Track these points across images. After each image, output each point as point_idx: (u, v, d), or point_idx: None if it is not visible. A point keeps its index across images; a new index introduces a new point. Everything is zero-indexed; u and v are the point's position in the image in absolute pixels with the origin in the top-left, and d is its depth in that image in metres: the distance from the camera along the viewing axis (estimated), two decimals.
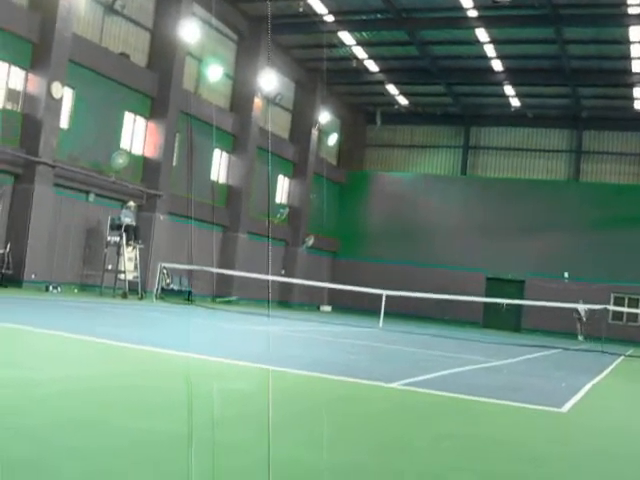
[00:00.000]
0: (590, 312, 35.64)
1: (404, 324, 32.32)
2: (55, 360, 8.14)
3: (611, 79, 38.92)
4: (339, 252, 48.31)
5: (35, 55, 25.44)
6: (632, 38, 33.08)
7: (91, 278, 28.58)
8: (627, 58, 35.66)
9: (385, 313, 27.96)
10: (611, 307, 33.99)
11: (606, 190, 43.83)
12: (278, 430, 5.18)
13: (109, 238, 27.68)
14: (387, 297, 28.41)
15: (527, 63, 38.46)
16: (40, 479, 3.54)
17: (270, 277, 35.84)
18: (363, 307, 40.31)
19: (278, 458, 4.35)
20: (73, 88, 27.18)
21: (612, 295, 41.53)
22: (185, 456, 4.12)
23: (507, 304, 36.68)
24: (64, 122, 26.96)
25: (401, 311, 38.66)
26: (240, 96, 37.23)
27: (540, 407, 8.23)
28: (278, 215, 41.01)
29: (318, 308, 44.20)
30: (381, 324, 26.74)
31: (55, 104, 25.63)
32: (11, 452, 3.86)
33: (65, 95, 26.32)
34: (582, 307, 34.00)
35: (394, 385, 8.71)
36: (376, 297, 29.28)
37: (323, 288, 42.11)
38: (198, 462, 3.97)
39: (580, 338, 36.21)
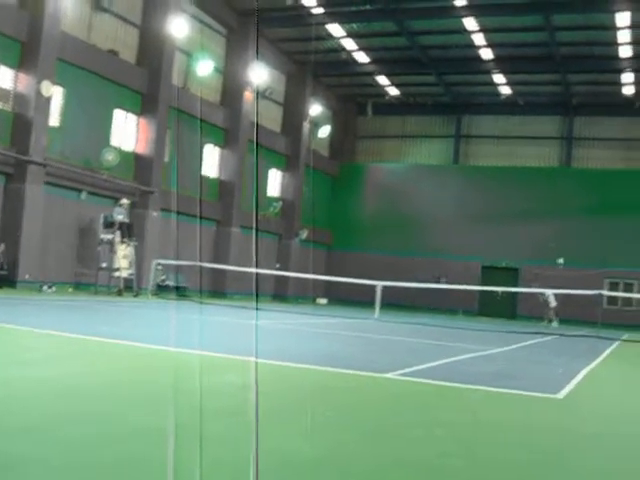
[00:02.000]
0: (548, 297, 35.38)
1: (400, 314, 32.34)
2: (50, 359, 8.13)
3: (600, 65, 38.98)
4: (333, 244, 48.31)
5: (24, 54, 25.37)
6: (619, 24, 33.09)
7: (85, 277, 28.56)
8: (615, 44, 35.68)
9: (381, 304, 27.97)
10: (605, 292, 33.98)
11: (598, 176, 43.90)
12: (272, 422, 5.19)
13: (102, 236, 27.65)
14: (382, 288, 28.42)
15: (517, 51, 38.44)
16: (37, 473, 3.55)
17: (260, 270, 35.74)
18: (359, 299, 40.31)
19: (270, 449, 4.36)
20: (63, 86, 27.12)
21: (607, 280, 41.59)
22: (177, 449, 4.12)
23: (502, 292, 36.69)
24: (54, 120, 26.92)
25: (397, 302, 38.71)
26: (230, 90, 37.18)
27: (536, 394, 8.24)
28: (271, 209, 40.99)
29: (314, 301, 44.18)
30: (377, 315, 26.74)
31: (45, 103, 25.57)
32: (9, 448, 3.87)
33: (55, 93, 26.27)
34: (547, 292, 33.93)
35: (389, 375, 8.72)
36: (371, 288, 29.28)
37: (318, 280, 42.10)
38: (189, 455, 3.98)
39: (545, 323, 35.57)
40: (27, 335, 10.29)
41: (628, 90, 41.65)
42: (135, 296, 27.32)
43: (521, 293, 39.63)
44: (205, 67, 33.69)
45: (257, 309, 27.24)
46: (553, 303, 35.58)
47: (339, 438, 5.06)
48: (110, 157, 28.70)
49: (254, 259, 37.03)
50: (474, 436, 5.59)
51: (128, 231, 27.76)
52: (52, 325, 12.31)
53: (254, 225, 37.70)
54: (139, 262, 29.22)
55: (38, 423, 4.62)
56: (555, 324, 35.21)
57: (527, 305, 41.15)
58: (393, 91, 46.62)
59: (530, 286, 36.30)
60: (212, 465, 3.96)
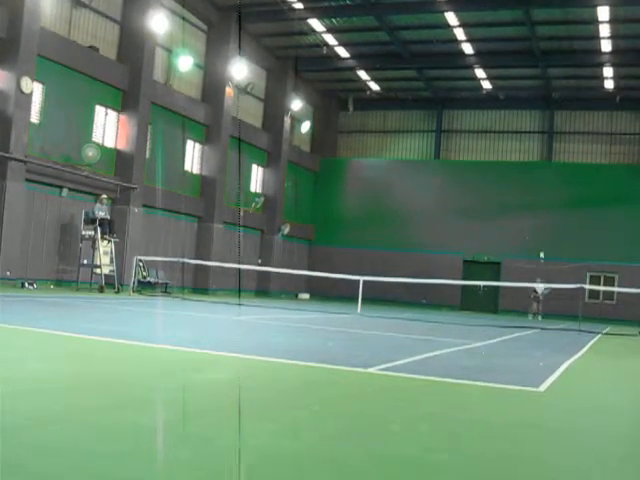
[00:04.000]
0: (548, 291, 35.58)
1: (382, 309, 32.40)
2: (30, 357, 8.10)
3: (581, 59, 39.09)
4: (315, 239, 48.33)
5: (3, 50, 25.18)
6: (600, 18, 33.22)
7: (67, 273, 28.47)
8: (596, 38, 35.81)
9: (363, 299, 28.00)
10: (587, 286, 34.20)
11: (579, 170, 44.09)
12: (252, 418, 5.21)
13: (84, 232, 27.58)
14: (365, 283, 28.45)
15: (497, 45, 38.53)
16: (14, 477, 3.54)
17: (242, 266, 35.75)
18: (341, 294, 40.42)
19: (253, 445, 4.38)
20: (43, 83, 26.99)
21: (588, 274, 41.79)
22: (162, 447, 4.13)
23: (484, 286, 36.82)
24: (35, 117, 26.78)
25: (379, 296, 38.74)
26: (211, 86, 37.10)
27: (517, 387, 8.31)
28: (253, 204, 40.95)
29: (296, 296, 44.23)
30: (359, 310, 26.79)
31: (25, 99, 25.43)
32: None
33: (35, 90, 26.13)
34: (540, 286, 34.06)
35: (371, 370, 8.76)
36: (354, 283, 29.32)
37: (300, 276, 42.16)
38: (172, 452, 3.99)
39: (530, 317, 35.66)
40: (5, 332, 10.24)
41: (609, 84, 41.85)
42: (116, 292, 27.26)
43: (503, 287, 39.81)
44: (186, 63, 33.58)
45: (240, 304, 27.24)
46: (541, 297, 35.79)
47: (322, 434, 5.08)
48: (91, 153, 28.56)
49: (238, 254, 37.04)
50: (457, 430, 5.63)
51: (109, 227, 27.67)
52: (30, 322, 12.26)
53: (238, 220, 37.71)
54: (120, 258, 29.18)
55: (11, 423, 4.62)
56: (540, 317, 35.44)
57: (509, 299, 41.34)
58: (374, 86, 46.66)
59: (535, 281, 36.19)
60: (195, 462, 3.96)
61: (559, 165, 45.11)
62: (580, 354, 14.31)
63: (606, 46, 36.53)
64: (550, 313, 37.60)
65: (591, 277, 41.74)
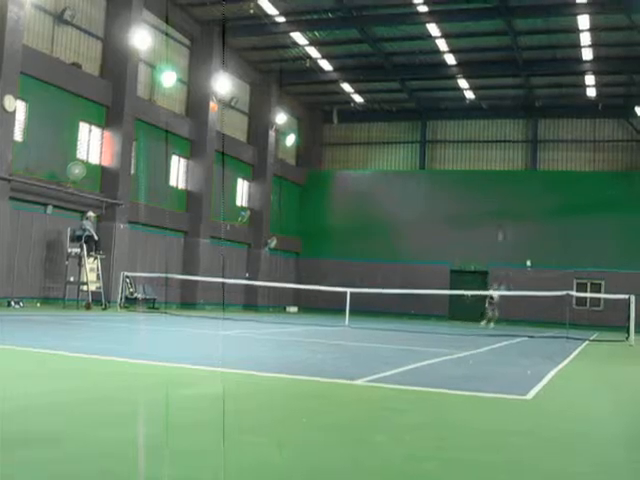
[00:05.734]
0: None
1: (371, 321, 32.41)
2: (17, 376, 8.08)
3: (563, 68, 39.32)
4: (302, 252, 48.32)
5: None
6: (581, 26, 33.45)
7: (53, 291, 28.37)
8: (577, 46, 36.08)
9: (351, 311, 28.01)
10: (574, 293, 34.24)
11: (563, 178, 44.30)
12: (238, 432, 5.21)
13: (70, 250, 27.52)
14: (352, 294, 28.48)
15: (480, 56, 38.74)
16: None
17: (228, 280, 35.77)
18: (329, 306, 40.39)
19: (242, 460, 4.37)
20: (26, 100, 26.95)
21: (575, 281, 41.91)
22: (147, 463, 4.12)
23: (471, 295, 36.83)
24: (18, 135, 26.73)
25: (367, 308, 38.79)
26: (195, 101, 37.12)
27: (505, 395, 8.34)
28: (239, 218, 40.93)
29: (284, 309, 44.20)
30: (347, 322, 26.77)
31: (8, 117, 25.39)
32: None
33: (18, 108, 26.10)
34: (496, 293, 33.50)
35: (359, 382, 8.76)
36: (341, 295, 29.32)
37: (288, 289, 42.14)
38: (161, 469, 3.98)
39: (483, 324, 34.43)
40: None
41: (591, 92, 42.10)
42: (104, 309, 27.20)
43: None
44: (169, 78, 33.61)
45: (224, 318, 27.19)
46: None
47: (309, 446, 5.08)
48: (77, 171, 28.52)
49: (223, 268, 37.01)
50: (443, 439, 5.63)
51: (95, 244, 27.62)
52: (17, 341, 12.21)
53: (222, 234, 37.66)
54: (107, 275, 29.10)
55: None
56: (483, 324, 34.16)
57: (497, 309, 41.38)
58: (358, 98, 46.78)
59: (492, 287, 35.94)
60: (182, 477, 3.96)
61: (544, 173, 45.32)
62: (567, 361, 14.34)
63: (587, 54, 36.81)
64: (537, 320, 37.71)
65: (578, 284, 41.86)
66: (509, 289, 34.53)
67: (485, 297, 34.50)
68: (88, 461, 4.24)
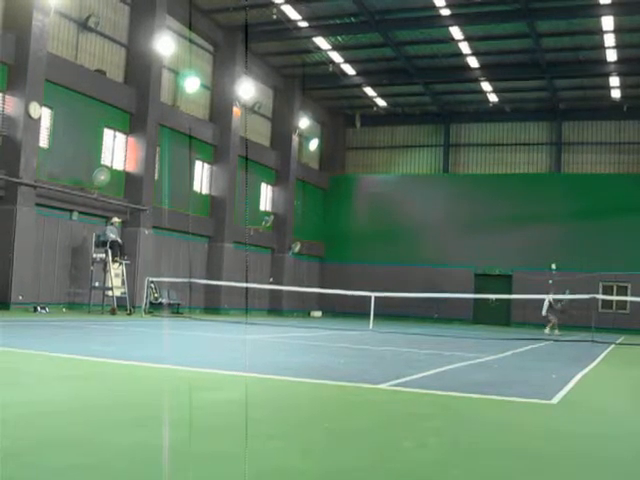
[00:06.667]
0: (557, 302, 34.42)
1: (395, 325, 32.34)
2: (44, 380, 8.12)
3: (586, 69, 39.16)
4: (326, 256, 48.34)
5: (11, 76, 25.41)
6: (605, 27, 33.29)
7: (79, 296, 28.55)
8: (601, 48, 35.92)
9: (375, 315, 28.02)
10: (600, 296, 34.00)
11: (588, 180, 44.07)
12: (262, 437, 5.21)
13: (95, 255, 27.71)
14: (377, 299, 28.46)
15: (503, 58, 38.63)
16: None
17: (251, 285, 35.88)
18: (353, 310, 40.44)
19: (267, 467, 4.38)
20: (51, 107, 27.15)
21: (601, 284, 41.63)
22: (178, 468, 4.13)
23: (496, 299, 36.70)
24: (44, 142, 26.93)
25: (391, 312, 38.76)
26: (219, 106, 37.26)
27: (530, 400, 8.27)
28: (263, 223, 41.00)
29: (309, 314, 44.21)
30: (371, 326, 26.75)
31: (34, 124, 25.60)
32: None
33: (43, 114, 26.29)
34: (558, 297, 33.27)
35: (383, 386, 8.74)
36: (365, 299, 29.31)
37: (312, 293, 42.16)
38: (184, 473, 3.99)
39: (547, 330, 34.14)
40: (18, 357, 10.26)
41: (616, 93, 41.88)
42: (129, 314, 27.31)
43: (515, 300, 39.72)
44: (193, 84, 33.78)
45: (246, 323, 27.24)
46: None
47: (333, 451, 5.07)
48: (103, 177, 28.71)
49: (246, 273, 37.08)
50: (468, 444, 5.61)
51: (120, 249, 27.78)
52: (43, 346, 12.29)
53: (245, 239, 37.76)
54: (132, 280, 29.24)
55: (25, 445, 4.63)
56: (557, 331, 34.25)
57: (521, 312, 41.23)
58: (381, 102, 46.80)
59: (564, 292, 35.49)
60: None
61: (568, 176, 45.09)
62: (593, 365, 14.25)
63: (611, 56, 36.61)
64: (563, 324, 37.50)
65: (604, 287, 41.59)
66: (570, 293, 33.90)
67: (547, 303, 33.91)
68: (113, 467, 4.25)
